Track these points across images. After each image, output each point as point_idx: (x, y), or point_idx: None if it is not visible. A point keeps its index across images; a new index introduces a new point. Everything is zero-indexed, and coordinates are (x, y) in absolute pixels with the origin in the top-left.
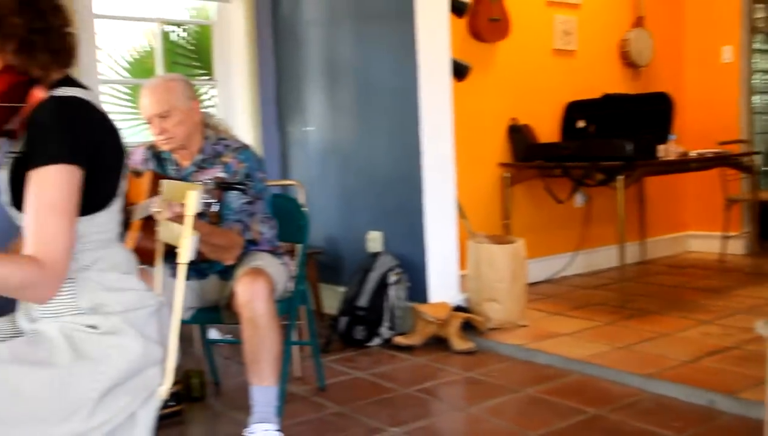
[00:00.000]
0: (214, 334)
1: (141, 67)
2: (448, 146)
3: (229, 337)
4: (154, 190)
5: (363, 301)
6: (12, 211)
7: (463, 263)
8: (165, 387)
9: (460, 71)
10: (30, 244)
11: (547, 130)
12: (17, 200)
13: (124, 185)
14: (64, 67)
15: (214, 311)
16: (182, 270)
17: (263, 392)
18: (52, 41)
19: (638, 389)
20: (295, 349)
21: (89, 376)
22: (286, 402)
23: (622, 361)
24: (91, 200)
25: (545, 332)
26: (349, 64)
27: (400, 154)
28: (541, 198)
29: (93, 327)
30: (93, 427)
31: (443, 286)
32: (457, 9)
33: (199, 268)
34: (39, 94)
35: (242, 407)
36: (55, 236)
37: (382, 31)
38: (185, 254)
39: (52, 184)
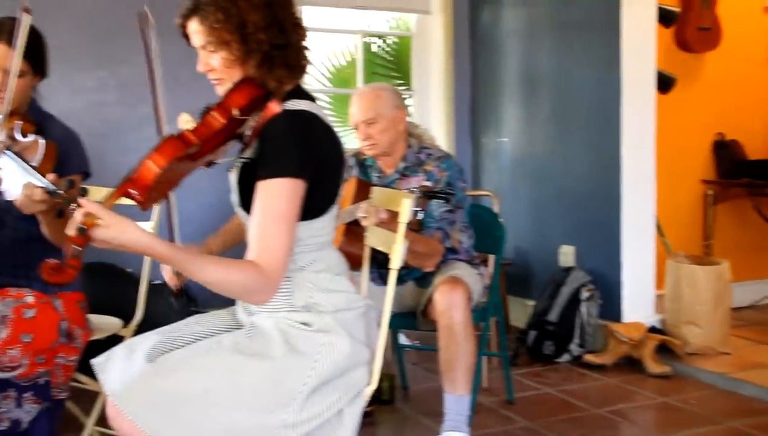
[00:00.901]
0: (402, 339)
1: (342, 78)
2: (650, 161)
3: (416, 343)
4: (359, 196)
5: (553, 316)
6: (240, 212)
7: (659, 283)
8: (371, 388)
9: (664, 83)
10: (253, 249)
11: (758, 146)
12: (245, 202)
13: (341, 192)
14: (296, 80)
15: (410, 317)
16: (393, 275)
17: (456, 400)
18: (290, 56)
19: None
20: (483, 360)
21: (301, 371)
22: (474, 413)
23: None
24: (312, 207)
25: (750, 361)
26: (548, 74)
27: (598, 167)
28: (749, 218)
29: (306, 324)
30: (303, 420)
31: (638, 305)
32: (665, 18)
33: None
34: (274, 107)
35: (430, 412)
36: (277, 246)
37: (584, 42)
38: (396, 260)
39: (279, 196)
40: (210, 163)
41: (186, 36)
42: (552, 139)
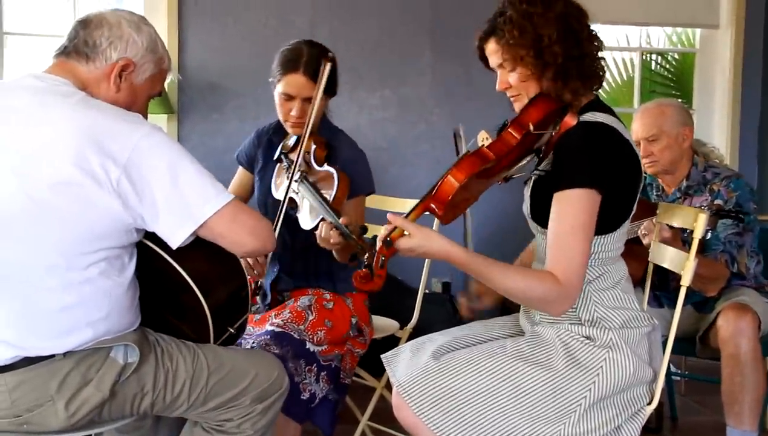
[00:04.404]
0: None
1: (617, 96)
2: None
3: (685, 373)
4: (638, 215)
5: None
6: (531, 223)
7: None
8: (652, 407)
9: None
10: (550, 261)
11: None
12: (535, 213)
13: (634, 208)
14: (592, 92)
15: (686, 342)
16: (682, 293)
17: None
18: (586, 67)
19: None
20: None
21: (581, 384)
22: None
23: None
24: (605, 221)
25: None
26: None
27: None
28: None
29: (589, 339)
30: (580, 433)
31: None
32: None
33: (674, 296)
34: (570, 120)
35: None
36: (573, 257)
37: None
38: (687, 277)
39: (575, 207)
40: (507, 179)
41: (483, 58)
42: None
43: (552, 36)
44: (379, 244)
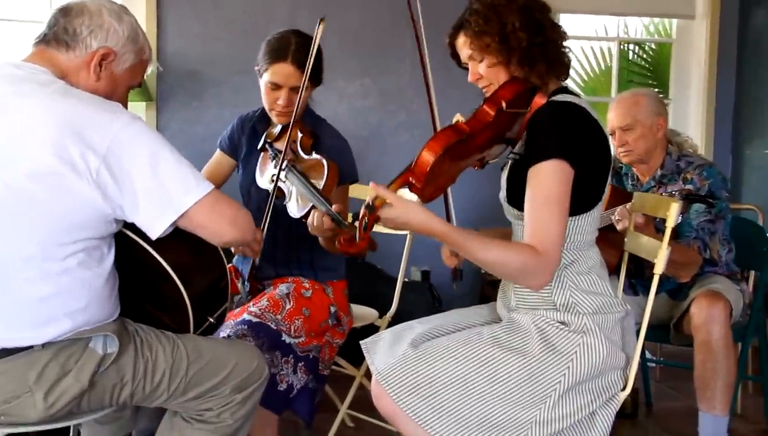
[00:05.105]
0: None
1: (595, 86)
2: None
3: (661, 359)
4: (613, 203)
5: None
6: (507, 209)
7: None
8: (625, 393)
9: None
10: (526, 233)
11: None
12: (511, 197)
13: (606, 191)
14: (559, 78)
15: (661, 330)
16: (655, 280)
17: (712, 421)
18: (550, 52)
19: None
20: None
21: (556, 369)
22: None
23: None
24: (578, 202)
25: None
26: None
27: None
28: None
29: (563, 324)
30: (555, 418)
31: None
32: None
33: (649, 284)
34: (539, 100)
35: (675, 432)
36: (549, 226)
37: None
38: (660, 265)
39: (547, 178)
40: (483, 163)
41: (455, 56)
42: None
43: (515, 23)
44: (363, 210)
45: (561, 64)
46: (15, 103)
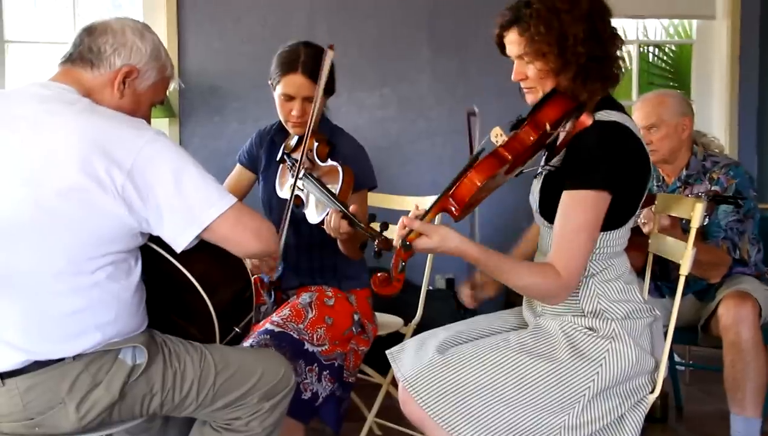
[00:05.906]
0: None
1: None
2: None
3: (690, 362)
4: None
5: None
6: (538, 218)
7: None
8: (654, 395)
9: None
10: (554, 254)
11: None
12: (543, 209)
13: (641, 205)
14: (608, 91)
15: (689, 332)
16: (681, 281)
17: (745, 423)
18: (606, 68)
19: None
20: None
21: (585, 374)
22: None
23: None
24: (613, 218)
25: None
26: None
27: None
28: None
29: (591, 330)
30: (584, 422)
31: None
32: None
33: (675, 285)
34: (586, 120)
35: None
36: (576, 253)
37: None
38: (686, 266)
39: (584, 208)
40: (518, 173)
41: (500, 45)
42: None
43: (578, 35)
44: (396, 247)
45: (615, 79)
46: (46, 122)
